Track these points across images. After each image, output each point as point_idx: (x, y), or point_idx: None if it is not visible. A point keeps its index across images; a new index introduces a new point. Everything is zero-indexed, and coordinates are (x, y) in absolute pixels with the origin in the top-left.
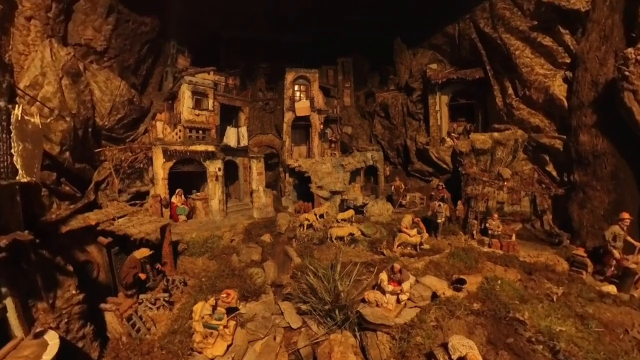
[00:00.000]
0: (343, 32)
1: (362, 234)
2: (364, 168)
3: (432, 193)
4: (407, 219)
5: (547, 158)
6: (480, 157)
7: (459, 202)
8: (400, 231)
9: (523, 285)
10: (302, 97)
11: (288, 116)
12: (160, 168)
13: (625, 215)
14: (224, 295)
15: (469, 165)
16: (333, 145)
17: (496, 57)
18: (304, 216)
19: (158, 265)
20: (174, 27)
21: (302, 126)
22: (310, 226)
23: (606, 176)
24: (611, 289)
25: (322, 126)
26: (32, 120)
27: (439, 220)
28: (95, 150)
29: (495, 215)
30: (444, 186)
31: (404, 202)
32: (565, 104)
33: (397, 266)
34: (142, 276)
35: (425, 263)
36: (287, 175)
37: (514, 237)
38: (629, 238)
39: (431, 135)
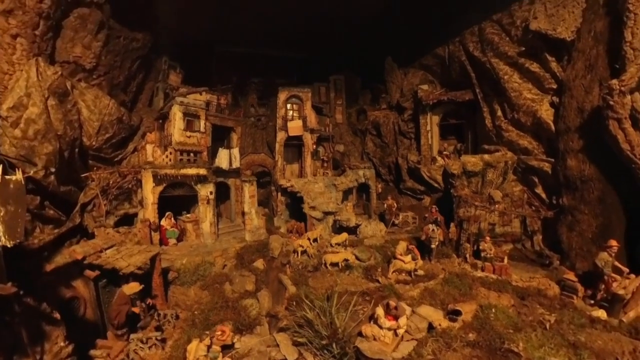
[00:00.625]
0: (336, 50)
1: (357, 258)
2: (356, 186)
3: (426, 215)
4: (402, 246)
5: (537, 180)
6: (472, 178)
7: (452, 224)
8: (395, 257)
9: (516, 312)
10: (294, 116)
11: (280, 136)
12: (150, 192)
13: (613, 242)
14: (219, 332)
15: (461, 187)
16: (325, 164)
17: (485, 80)
18: (298, 242)
19: (149, 300)
20: (165, 43)
21: (294, 145)
22: (304, 252)
23: (594, 201)
24: (601, 314)
25: (314, 145)
26: (14, 178)
27: (432, 246)
28: (82, 174)
29: (488, 238)
30: (437, 209)
31: (396, 222)
32: (553, 127)
33: (392, 303)
34: (136, 310)
35: (420, 291)
36: (279, 194)
37: (505, 260)
38: (616, 263)
39: (422, 154)
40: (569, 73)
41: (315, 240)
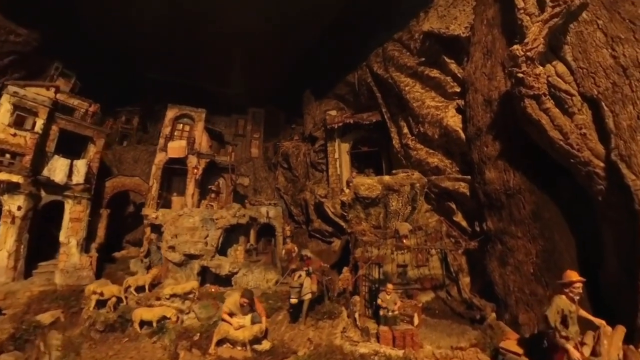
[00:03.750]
0: (262, 85)
1: (198, 317)
2: (256, 226)
3: (293, 266)
4: (232, 300)
5: (454, 206)
6: (370, 209)
7: (345, 270)
8: (223, 320)
9: None
10: (184, 137)
11: (159, 157)
12: None
13: (573, 275)
14: None
15: (356, 220)
16: (213, 195)
17: (391, 98)
18: (108, 289)
19: None
20: (66, 50)
21: (185, 173)
22: (119, 301)
23: (526, 218)
24: None
25: (198, 170)
26: None
27: (291, 300)
28: None
29: (390, 286)
30: (309, 257)
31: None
32: (462, 135)
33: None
34: None
35: None
36: (150, 229)
37: (416, 320)
38: (583, 313)
39: (331, 186)
40: (469, 68)
41: (141, 288)
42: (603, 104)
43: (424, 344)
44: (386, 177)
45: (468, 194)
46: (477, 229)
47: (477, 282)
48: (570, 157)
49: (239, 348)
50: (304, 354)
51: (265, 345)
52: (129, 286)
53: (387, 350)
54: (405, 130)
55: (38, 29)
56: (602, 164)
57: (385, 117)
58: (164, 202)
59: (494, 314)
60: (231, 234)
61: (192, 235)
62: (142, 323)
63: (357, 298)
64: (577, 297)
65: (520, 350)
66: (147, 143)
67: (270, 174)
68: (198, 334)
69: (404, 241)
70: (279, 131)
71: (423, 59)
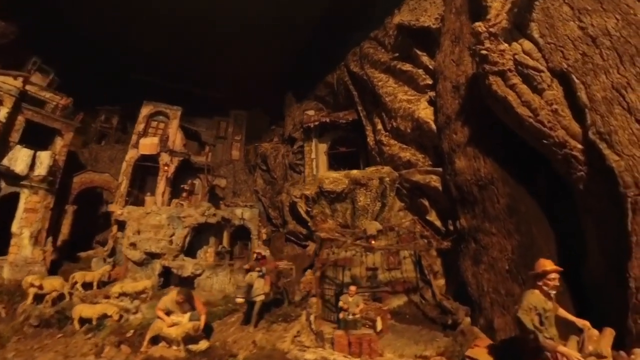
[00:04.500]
0: (245, 87)
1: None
2: (230, 228)
3: (246, 267)
4: (169, 298)
5: (427, 204)
6: (337, 204)
7: (307, 273)
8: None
9: None
10: (158, 135)
11: (131, 154)
12: None
13: (547, 264)
14: None
15: (321, 218)
16: (185, 194)
17: (366, 95)
18: (32, 280)
19: None
20: (47, 47)
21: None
22: (60, 298)
23: (501, 213)
24: None
25: (169, 168)
26: None
27: (238, 299)
28: None
29: (353, 289)
30: (263, 255)
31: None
32: (434, 126)
33: None
34: None
35: None
36: (117, 228)
37: (379, 325)
38: (562, 312)
39: (306, 187)
40: (439, 58)
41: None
42: (573, 76)
43: (385, 352)
44: (354, 171)
45: (440, 188)
46: (451, 227)
47: (453, 285)
48: (542, 137)
49: (175, 347)
50: (243, 357)
51: (202, 345)
52: (76, 282)
53: (339, 358)
54: (379, 126)
55: (16, 22)
56: (579, 146)
57: (361, 115)
58: (135, 201)
59: (468, 319)
60: (201, 235)
61: (157, 233)
62: (83, 321)
63: (314, 300)
64: (554, 292)
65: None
66: (125, 143)
67: (250, 177)
68: (132, 331)
69: (372, 242)
70: (262, 134)
71: (397, 54)
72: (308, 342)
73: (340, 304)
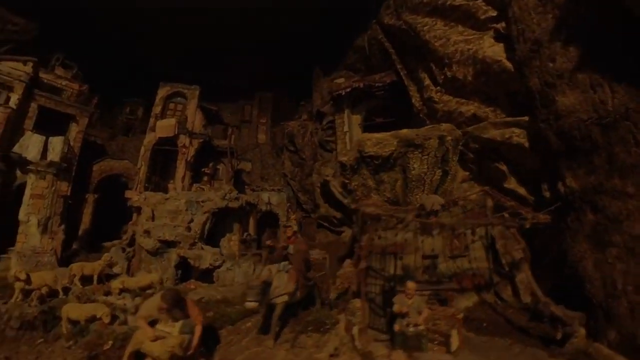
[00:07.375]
0: (270, 66)
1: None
2: (256, 214)
3: (269, 242)
4: (152, 303)
5: (505, 168)
6: (383, 175)
7: (346, 264)
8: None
9: None
10: (176, 116)
11: (149, 138)
12: None
13: None
14: None
15: (362, 193)
16: (206, 178)
17: (407, 49)
18: (18, 274)
19: None
20: (71, 43)
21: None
22: (50, 295)
23: None
24: None
25: (187, 150)
26: None
27: (247, 305)
28: None
29: (412, 286)
30: (295, 231)
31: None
32: (508, 64)
33: None
34: None
35: None
36: (136, 215)
37: (454, 342)
38: None
39: (343, 153)
40: None
41: (86, 278)
42: None
43: None
44: (404, 130)
45: (526, 144)
46: (547, 194)
47: (546, 279)
48: None
49: None
50: None
51: None
52: (74, 275)
53: None
54: (427, 81)
55: (37, 19)
56: None
57: (402, 73)
58: (156, 188)
59: (582, 330)
60: (224, 222)
61: (174, 219)
62: (74, 323)
63: (357, 303)
64: None
65: None
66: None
67: (278, 161)
68: (110, 342)
69: (432, 218)
70: (290, 116)
71: None
72: None
73: (395, 308)
